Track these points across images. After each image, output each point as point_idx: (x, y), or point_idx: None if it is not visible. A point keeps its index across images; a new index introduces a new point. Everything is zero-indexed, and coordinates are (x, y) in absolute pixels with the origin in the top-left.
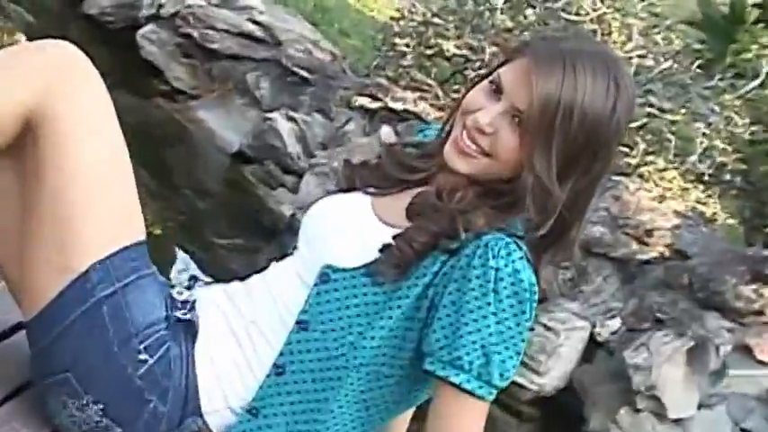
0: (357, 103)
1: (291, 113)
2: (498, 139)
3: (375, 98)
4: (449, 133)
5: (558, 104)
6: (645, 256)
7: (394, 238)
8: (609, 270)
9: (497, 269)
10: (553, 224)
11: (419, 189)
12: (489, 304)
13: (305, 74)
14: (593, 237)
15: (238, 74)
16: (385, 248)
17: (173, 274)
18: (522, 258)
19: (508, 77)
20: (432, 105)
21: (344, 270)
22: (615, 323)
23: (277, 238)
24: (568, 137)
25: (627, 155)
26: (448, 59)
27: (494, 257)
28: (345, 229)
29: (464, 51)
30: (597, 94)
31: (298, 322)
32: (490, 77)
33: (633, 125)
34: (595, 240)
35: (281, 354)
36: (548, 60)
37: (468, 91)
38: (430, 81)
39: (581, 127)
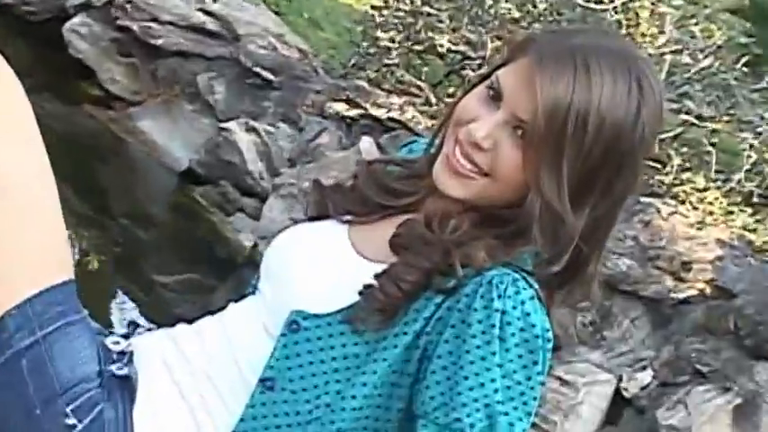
0: (331, 110)
1: (252, 123)
2: (498, 156)
3: (353, 104)
4: (439, 148)
5: (569, 112)
6: (681, 295)
7: (376, 276)
8: (638, 311)
9: (503, 312)
10: (568, 257)
11: (405, 216)
12: (494, 354)
13: (268, 75)
14: (618, 271)
15: (187, 75)
16: (366, 289)
17: (114, 316)
18: (532, 299)
19: (508, 81)
20: (422, 113)
21: (317, 316)
22: (646, 376)
23: (235, 274)
24: (582, 151)
25: (658, 172)
26: (441, 57)
27: (499, 298)
28: (317, 265)
29: (461, 47)
30: (616, 97)
31: (262, 380)
32: (487, 81)
33: (665, 136)
34: (621, 276)
35: (242, 419)
36: (555, 59)
37: (461, 97)
38: (420, 83)
39: (597, 138)
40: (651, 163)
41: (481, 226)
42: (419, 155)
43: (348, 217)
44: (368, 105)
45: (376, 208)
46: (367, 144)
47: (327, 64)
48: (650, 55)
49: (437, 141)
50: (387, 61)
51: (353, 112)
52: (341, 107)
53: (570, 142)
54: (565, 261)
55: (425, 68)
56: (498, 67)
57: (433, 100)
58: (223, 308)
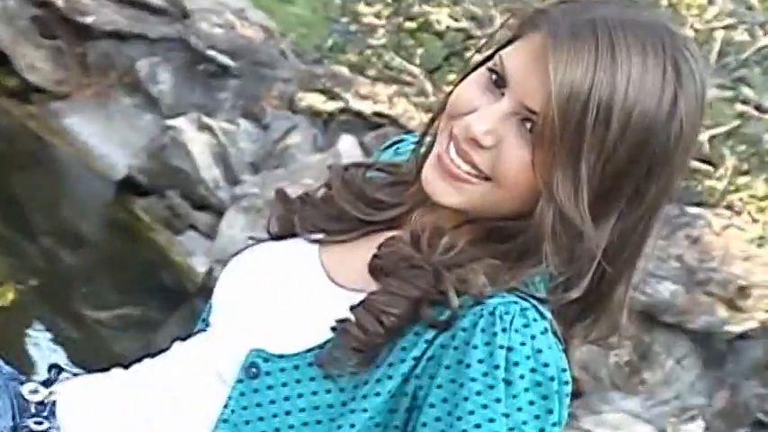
0: (303, 103)
1: (205, 119)
2: (501, 155)
3: (330, 95)
4: (431, 147)
5: (588, 100)
6: (738, 328)
7: (353, 308)
8: (685, 348)
9: (510, 349)
10: (589, 280)
11: (388, 233)
12: (499, 401)
13: (225, 60)
14: (659, 299)
15: (125, 61)
16: (341, 324)
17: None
18: (545, 332)
19: (515, 63)
20: (416, 105)
21: (281, 358)
22: (696, 428)
23: (185, 307)
24: (605, 149)
25: (708, 176)
26: (440, 36)
27: (504, 331)
28: (281, 295)
29: (463, 23)
30: (647, 83)
31: None
32: (489, 63)
33: (717, 132)
34: (663, 304)
35: None
36: (573, 35)
37: (457, 83)
38: (413, 68)
39: (623, 134)
40: (698, 165)
41: (481, 243)
42: (407, 157)
43: (319, 235)
44: (348, 97)
45: (353, 224)
46: (348, 145)
47: (298, 46)
48: (697, 31)
49: (428, 139)
50: (372, 42)
51: (330, 106)
52: (315, 99)
53: (590, 138)
54: (585, 285)
55: (419, 50)
56: (503, 47)
57: (430, 89)
58: (167, 348)
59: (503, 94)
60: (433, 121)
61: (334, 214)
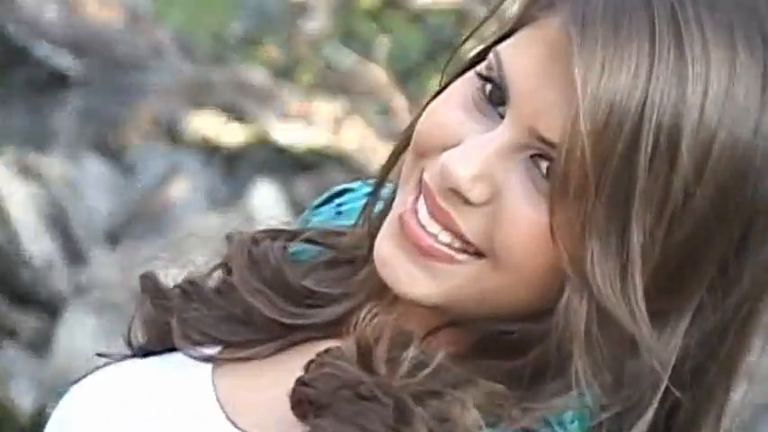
0: (193, 130)
1: (31, 159)
2: (501, 216)
3: (237, 116)
4: (390, 204)
5: (641, 123)
6: None
7: None
8: None
9: None
10: (653, 416)
11: (323, 344)
12: None
13: (63, 60)
14: None
15: None
16: None
17: None
18: None
19: (520, 65)
20: (379, 132)
21: None
22: None
23: None
24: (670, 200)
25: None
26: (418, 18)
27: None
28: None
29: None
30: (738, 92)
31: None
32: (480, 66)
33: None
34: None
35: None
36: (611, 20)
37: (429, 101)
38: (374, 70)
39: (701, 173)
40: None
41: (471, 357)
42: (354, 220)
43: (213, 349)
44: (267, 119)
45: (268, 330)
46: (263, 198)
47: (185, 35)
48: None
49: (387, 190)
50: (306, 27)
51: (237, 134)
52: (211, 123)
53: (645, 184)
54: (646, 427)
55: (385, 40)
56: (500, 40)
57: (402, 104)
58: None
59: (501, 116)
60: (393, 160)
61: (237, 315)
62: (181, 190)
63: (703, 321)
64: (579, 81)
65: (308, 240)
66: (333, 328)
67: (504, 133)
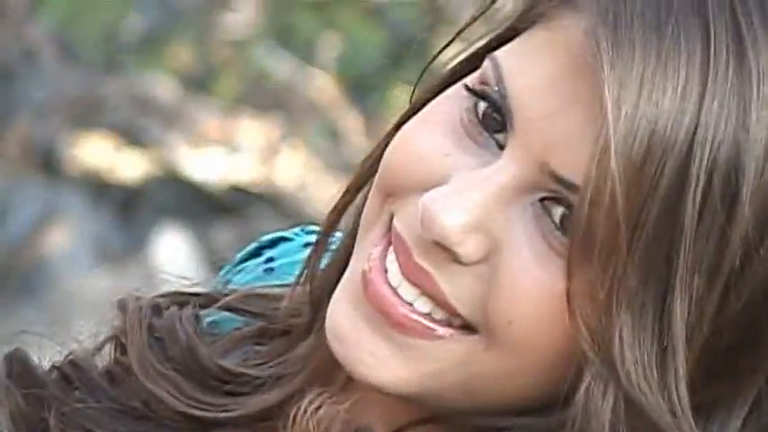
0: (76, 159)
1: None
2: (500, 281)
3: (133, 142)
4: (345, 260)
5: (690, 158)
6: None
7: None
8: None
9: None
10: None
11: None
12: None
13: None
14: None
15: None
16: None
17: None
18: None
19: (526, 79)
20: (328, 164)
21: None
22: None
23: None
24: (726, 259)
25: None
26: (377, 14)
27: None
28: None
29: None
30: None
31: None
32: (470, 77)
33: None
34: None
35: None
36: (651, 23)
37: (399, 123)
38: (321, 81)
39: (765, 221)
40: None
41: None
42: (286, 278)
43: None
44: (174, 144)
45: (174, 427)
46: (169, 249)
47: (67, 35)
48: None
49: (338, 241)
50: (228, 25)
51: (134, 167)
52: (99, 151)
53: (694, 238)
54: None
55: (335, 40)
56: (499, 45)
57: (352, 124)
58: None
59: (501, 146)
60: (347, 200)
61: (134, 408)
62: (60, 238)
63: (762, 417)
64: (610, 102)
65: (229, 308)
66: (262, 423)
67: (505, 170)
